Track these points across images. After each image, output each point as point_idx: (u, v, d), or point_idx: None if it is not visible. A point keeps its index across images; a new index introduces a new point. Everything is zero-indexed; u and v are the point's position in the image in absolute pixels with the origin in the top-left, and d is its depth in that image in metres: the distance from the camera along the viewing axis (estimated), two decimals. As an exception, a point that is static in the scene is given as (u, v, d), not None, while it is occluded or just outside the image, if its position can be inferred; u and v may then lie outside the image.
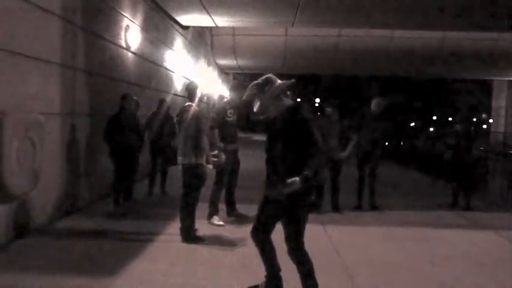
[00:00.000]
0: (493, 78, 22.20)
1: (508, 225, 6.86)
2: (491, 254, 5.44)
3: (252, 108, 3.67)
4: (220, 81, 19.78)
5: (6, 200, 4.84)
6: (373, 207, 7.48)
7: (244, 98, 3.79)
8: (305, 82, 36.23)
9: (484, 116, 38.39)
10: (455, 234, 6.30)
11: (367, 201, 7.52)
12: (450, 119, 34.85)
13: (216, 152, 5.98)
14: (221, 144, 6.17)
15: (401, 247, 5.54)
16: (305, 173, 3.34)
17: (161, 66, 10.88)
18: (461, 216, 7.46)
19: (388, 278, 4.45)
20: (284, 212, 3.50)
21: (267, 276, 3.79)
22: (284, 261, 3.66)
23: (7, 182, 4.67)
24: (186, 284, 4.07)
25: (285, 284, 3.79)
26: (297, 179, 3.31)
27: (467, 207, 7.86)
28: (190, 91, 5.56)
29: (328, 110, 7.43)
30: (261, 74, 3.76)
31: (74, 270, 4.24)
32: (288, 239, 3.50)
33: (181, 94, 12.20)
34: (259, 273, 3.86)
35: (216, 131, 6.20)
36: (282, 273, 3.78)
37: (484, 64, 16.96)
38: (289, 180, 3.30)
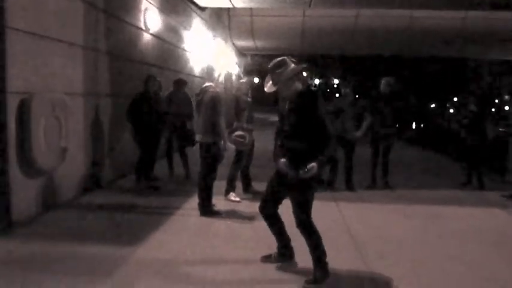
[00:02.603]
0: (515, 58, 21.81)
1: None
2: (499, 231, 5.57)
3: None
4: (237, 62, 19.89)
5: (35, 175, 5.16)
6: (386, 186, 7.63)
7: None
8: (324, 62, 36.06)
9: (506, 97, 37.68)
10: (465, 211, 6.44)
11: (380, 179, 7.67)
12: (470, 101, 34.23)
13: (241, 132, 6.15)
14: (247, 126, 6.32)
15: (411, 223, 5.71)
16: (320, 158, 3.55)
17: (179, 47, 11.06)
18: (473, 195, 7.56)
19: (395, 251, 4.64)
20: (292, 187, 3.70)
21: (278, 247, 4.04)
22: (295, 233, 3.88)
23: (36, 158, 4.98)
24: (204, 253, 4.33)
25: (296, 254, 4.04)
26: (315, 164, 3.51)
27: (480, 187, 7.96)
28: (209, 72, 5.74)
29: (344, 90, 7.58)
30: (279, 56, 3.90)
31: (100, 240, 4.54)
32: (296, 212, 3.71)
33: (199, 75, 12.41)
34: (272, 244, 4.10)
35: (245, 113, 6.34)
36: (293, 244, 4.02)
37: (505, 44, 16.70)
38: (308, 166, 3.51)
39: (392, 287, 3.72)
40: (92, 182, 6.62)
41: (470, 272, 4.14)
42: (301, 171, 3.55)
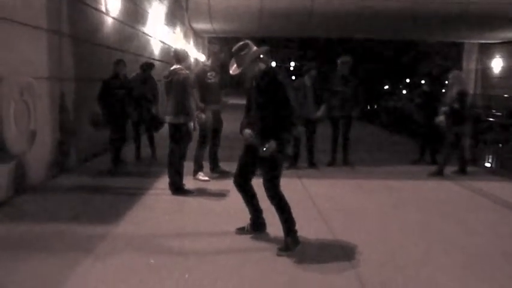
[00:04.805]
0: (463, 41, 22.70)
1: (468, 177, 7.48)
2: (449, 200, 6.07)
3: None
4: (195, 45, 19.87)
5: (6, 159, 5.17)
6: (346, 163, 8.04)
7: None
8: (282, 45, 36.43)
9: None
10: (418, 184, 6.95)
11: (341, 157, 8.07)
12: (423, 81, 35.46)
13: (197, 112, 6.34)
14: (202, 105, 6.53)
15: (370, 196, 6.12)
16: (280, 136, 3.84)
17: (139, 30, 11.03)
18: (426, 169, 8.06)
19: (357, 221, 5.01)
20: (260, 159, 3.96)
21: (251, 219, 4.32)
22: (266, 206, 4.15)
23: (6, 142, 4.99)
24: (180, 228, 4.55)
25: (267, 224, 4.34)
26: (273, 142, 3.81)
27: (433, 162, 8.49)
28: (178, 55, 5.84)
29: (309, 72, 7.83)
30: (237, 38, 4.11)
31: (75, 220, 4.66)
32: (266, 184, 3.98)
33: (159, 58, 12.39)
34: (244, 217, 4.38)
35: (196, 91, 6.51)
36: (265, 215, 4.31)
37: (454, 26, 17.42)
38: (267, 145, 3.81)
39: (357, 252, 4.05)
40: (60, 164, 6.65)
41: (423, 237, 4.56)
42: (260, 150, 3.84)
